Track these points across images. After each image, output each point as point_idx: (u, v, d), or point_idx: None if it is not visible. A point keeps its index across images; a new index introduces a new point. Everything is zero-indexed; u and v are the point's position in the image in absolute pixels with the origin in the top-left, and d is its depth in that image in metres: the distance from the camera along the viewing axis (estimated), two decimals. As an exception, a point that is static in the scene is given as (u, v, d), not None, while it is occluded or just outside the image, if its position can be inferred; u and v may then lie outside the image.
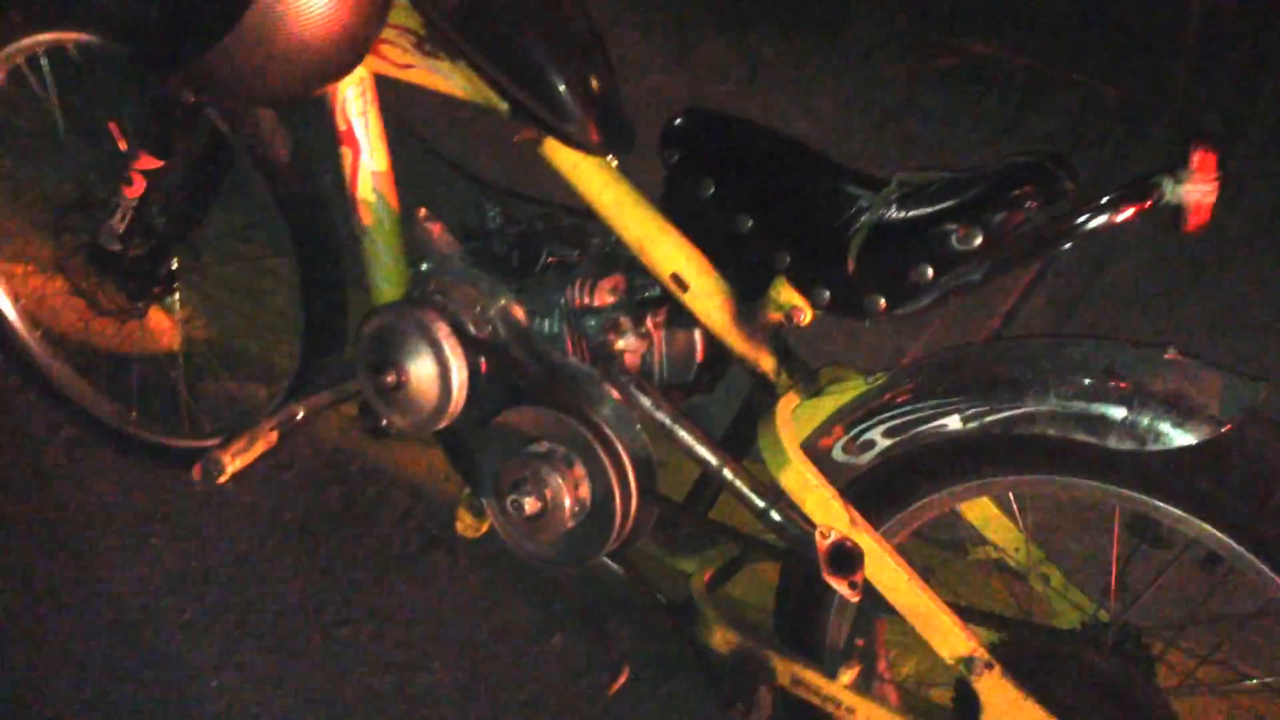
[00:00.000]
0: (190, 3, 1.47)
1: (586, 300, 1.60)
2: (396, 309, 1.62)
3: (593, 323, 1.60)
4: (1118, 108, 2.40)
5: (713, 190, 1.46)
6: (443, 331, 1.59)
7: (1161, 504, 1.28)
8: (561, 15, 1.55)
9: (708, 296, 1.52)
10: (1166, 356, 1.28)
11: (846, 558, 1.38)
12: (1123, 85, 2.41)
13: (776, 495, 1.45)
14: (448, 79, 1.62)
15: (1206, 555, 1.33)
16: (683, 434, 1.49)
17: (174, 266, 2.11)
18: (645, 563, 1.69)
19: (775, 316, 1.49)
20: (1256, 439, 1.23)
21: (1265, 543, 1.25)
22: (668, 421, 1.49)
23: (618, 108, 1.57)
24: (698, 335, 1.59)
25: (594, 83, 1.55)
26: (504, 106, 1.58)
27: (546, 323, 1.64)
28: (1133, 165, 2.31)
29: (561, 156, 1.57)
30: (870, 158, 2.38)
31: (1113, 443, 1.26)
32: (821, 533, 1.39)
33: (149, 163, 1.91)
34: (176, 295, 2.16)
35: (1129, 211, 1.22)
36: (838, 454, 1.45)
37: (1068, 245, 1.26)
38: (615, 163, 1.57)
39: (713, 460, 1.48)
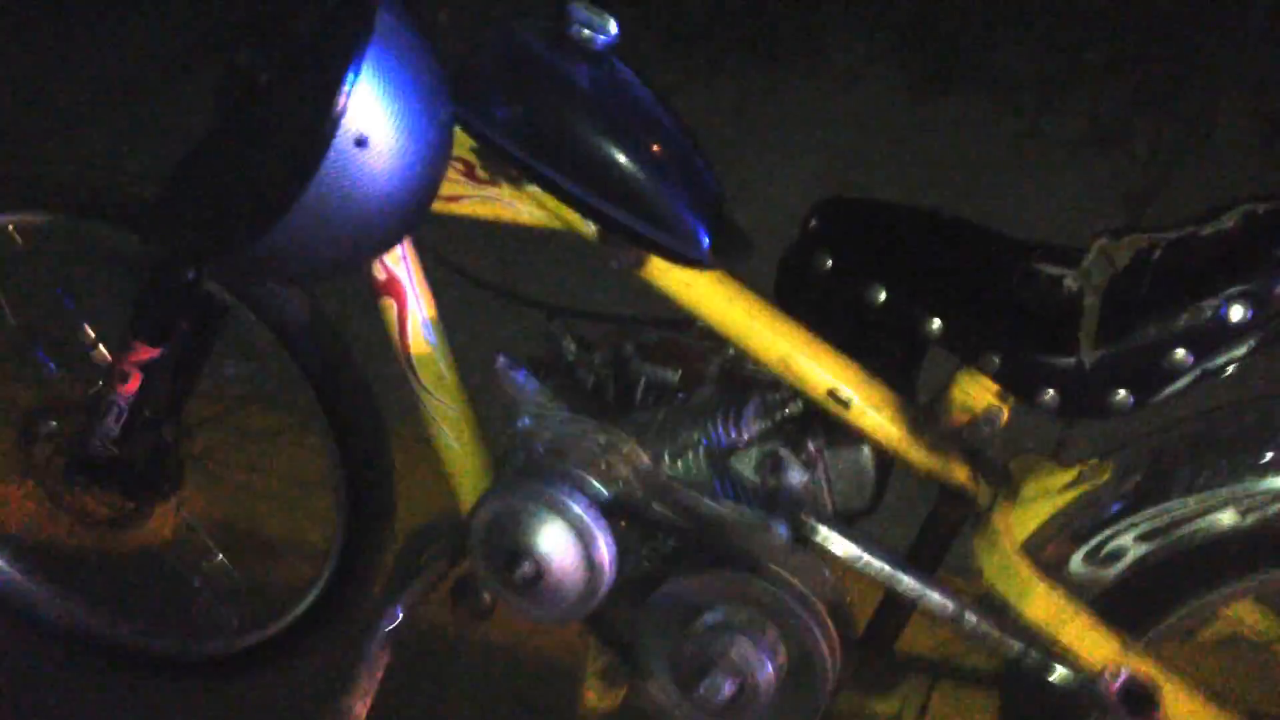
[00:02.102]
0: (233, 177, 1.21)
1: (734, 434, 1.38)
2: (516, 487, 1.38)
3: (747, 460, 1.38)
4: (1134, 96, 2.28)
5: (884, 296, 1.25)
6: (580, 504, 1.35)
7: None
8: (646, 113, 1.33)
9: (876, 410, 1.32)
10: None
11: (1143, 697, 1.19)
12: (1134, 73, 2.30)
13: (1024, 631, 1.26)
14: (511, 207, 1.38)
15: None
16: (908, 581, 1.28)
17: (177, 454, 1.82)
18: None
19: (963, 418, 1.30)
20: None
21: None
22: (886, 568, 1.29)
23: (726, 212, 1.36)
24: (867, 453, 1.38)
25: (699, 187, 1.33)
26: (591, 229, 1.36)
27: (683, 465, 1.42)
28: (1189, 159, 2.16)
29: (672, 277, 1.35)
30: (898, 182, 2.22)
31: None
32: (1110, 672, 1.21)
33: (145, 353, 1.62)
34: (183, 487, 1.87)
35: None
36: (1077, 567, 1.27)
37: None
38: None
39: (951, 605, 1.27)
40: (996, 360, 1.21)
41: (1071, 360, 1.17)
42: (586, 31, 1.30)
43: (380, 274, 1.46)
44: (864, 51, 2.50)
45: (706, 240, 1.31)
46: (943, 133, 2.27)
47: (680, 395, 1.46)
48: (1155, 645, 1.28)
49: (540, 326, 1.54)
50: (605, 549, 1.35)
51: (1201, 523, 1.19)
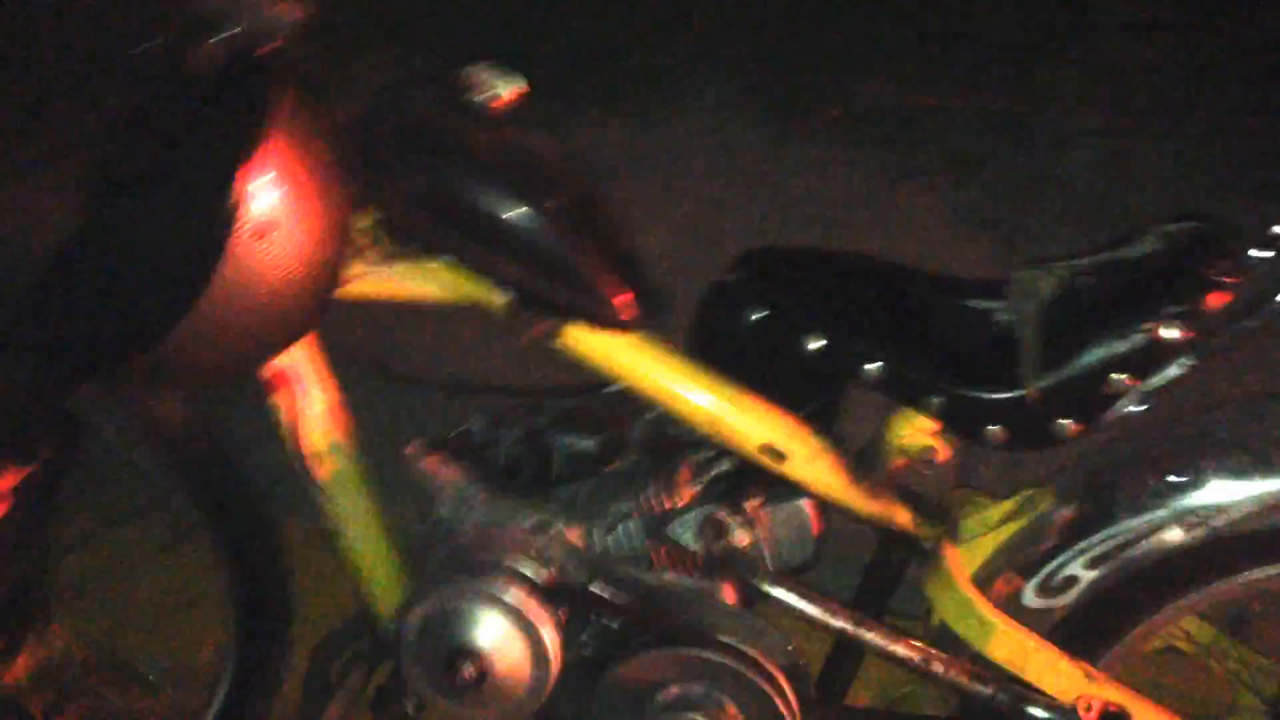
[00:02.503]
0: (113, 281, 1.10)
1: (667, 501, 1.33)
2: (445, 585, 1.29)
3: (684, 526, 1.32)
4: (987, 125, 2.35)
5: (823, 344, 1.22)
6: (517, 594, 1.27)
7: None
8: (557, 173, 1.28)
9: (811, 462, 1.29)
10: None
11: (1113, 722, 1.19)
12: (987, 102, 2.37)
13: (989, 671, 1.23)
14: (415, 282, 1.31)
15: None
16: (870, 636, 1.24)
17: (45, 582, 1.66)
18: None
19: (902, 463, 1.29)
20: None
21: None
22: (844, 623, 1.25)
23: (642, 271, 1.31)
24: (806, 505, 1.34)
25: (615, 247, 1.29)
26: (502, 301, 1.29)
27: (615, 539, 1.35)
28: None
29: (592, 343, 1.29)
30: (768, 225, 2.22)
31: (1373, 513, 1.13)
32: (1084, 704, 1.19)
33: (13, 477, 1.47)
34: (53, 618, 1.70)
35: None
36: (1030, 600, 1.26)
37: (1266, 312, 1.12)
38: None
39: (915, 657, 1.24)
40: (937, 401, 1.19)
41: (1014, 394, 1.16)
42: (489, 93, 1.25)
43: (270, 369, 1.36)
44: (721, 95, 2.50)
45: (629, 301, 1.26)
46: (807, 172, 2.29)
47: (602, 464, 1.40)
48: (1112, 668, 1.28)
49: (443, 409, 1.47)
50: (550, 639, 1.28)
51: (1149, 543, 1.20)
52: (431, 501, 1.39)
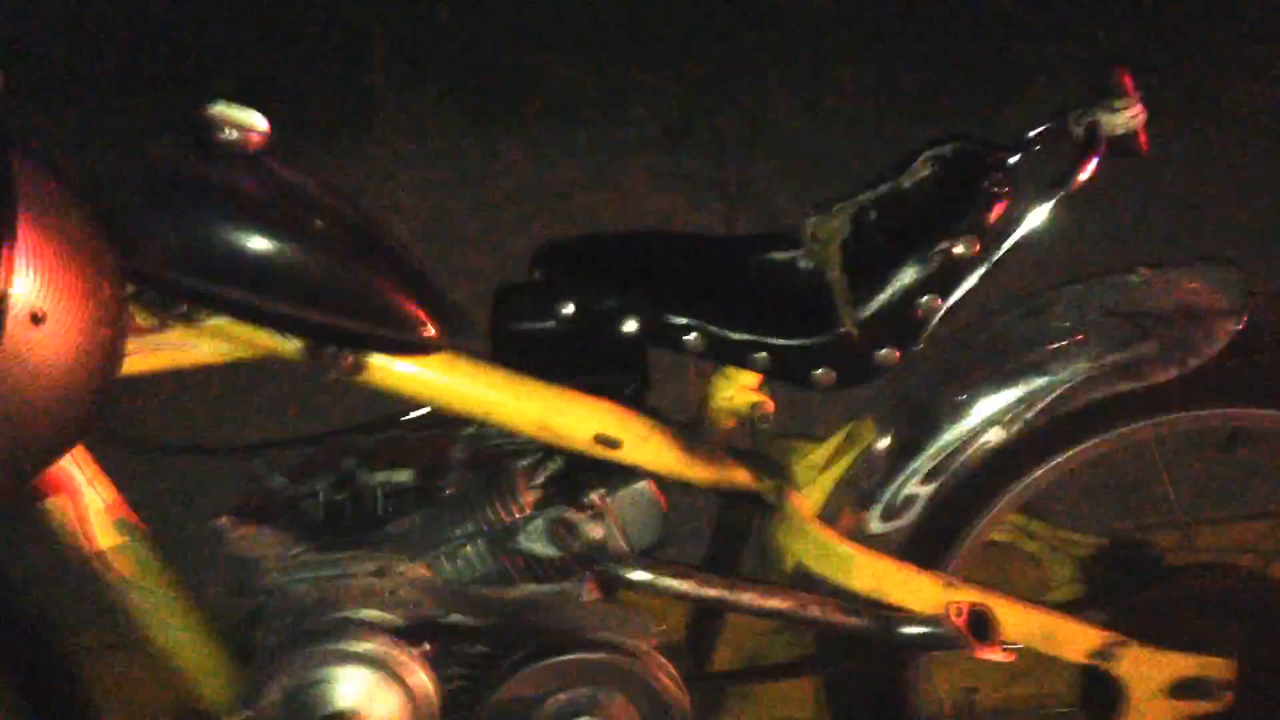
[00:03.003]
0: None
1: (508, 514, 1.29)
2: (297, 656, 1.20)
3: (533, 533, 1.29)
4: (693, 95, 2.41)
5: (638, 325, 1.22)
6: (377, 645, 1.20)
7: (1207, 410, 1.29)
8: (321, 205, 1.21)
9: (645, 442, 1.29)
10: (1143, 275, 1.28)
11: (981, 620, 1.25)
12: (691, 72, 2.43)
13: (856, 603, 1.27)
14: (188, 348, 1.21)
15: (1229, 436, 1.37)
16: (744, 597, 1.25)
17: None
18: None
19: (732, 422, 1.31)
20: (1262, 311, 1.27)
21: None
22: (714, 590, 1.25)
23: (435, 290, 1.26)
24: (648, 486, 1.34)
25: (403, 268, 1.23)
26: (294, 347, 1.21)
27: (463, 563, 1.30)
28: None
29: (398, 371, 1.24)
30: (496, 224, 2.19)
31: (1158, 376, 1.24)
32: (953, 610, 1.25)
33: None
34: None
35: (1092, 160, 1.18)
36: (877, 527, 1.31)
37: (1047, 215, 1.20)
38: None
39: (787, 606, 1.26)
40: (764, 356, 1.22)
41: (834, 334, 1.20)
42: (235, 134, 1.16)
43: (39, 470, 1.21)
44: (420, 99, 2.44)
45: (426, 321, 1.21)
46: (524, 164, 2.28)
47: (427, 493, 1.34)
48: (958, 572, 1.35)
49: (239, 474, 1.36)
50: (421, 681, 1.22)
51: (974, 447, 1.27)
52: (254, 574, 1.29)
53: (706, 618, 1.45)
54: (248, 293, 1.14)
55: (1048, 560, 1.52)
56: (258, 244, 1.13)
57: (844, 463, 1.33)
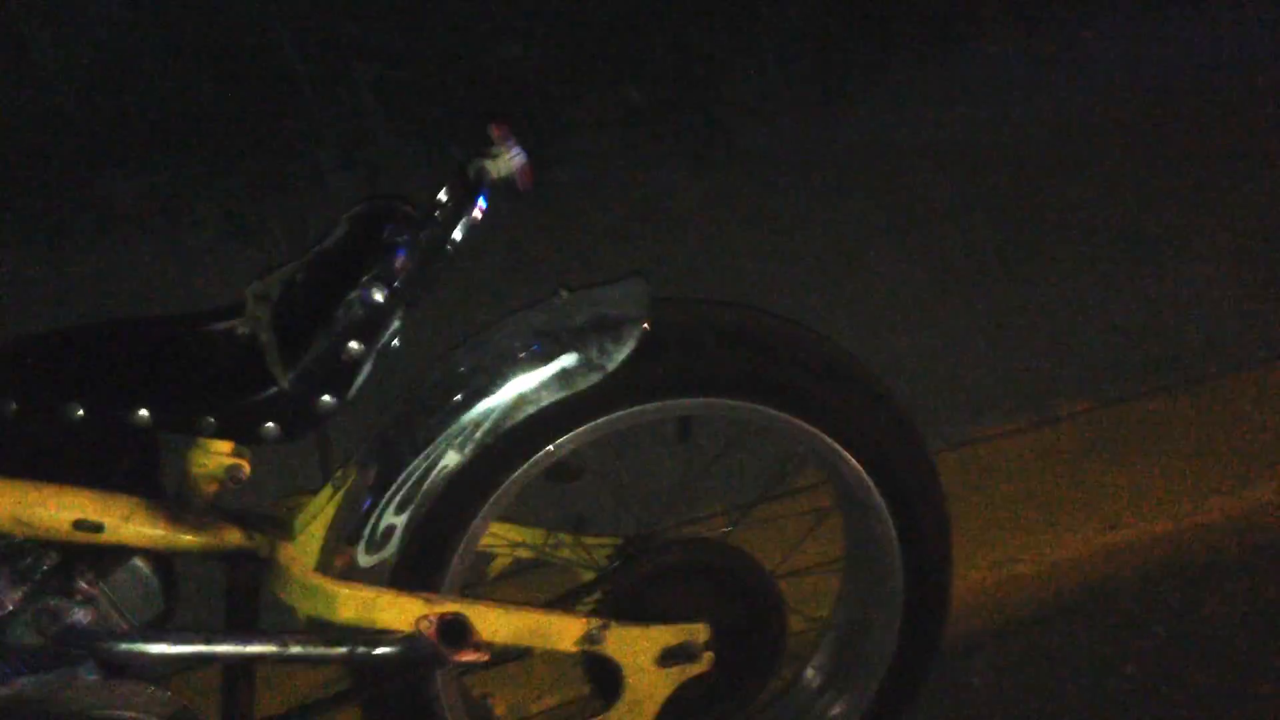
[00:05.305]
0: None
1: (-7, 615, 1.31)
2: None
3: (20, 628, 1.32)
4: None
5: (83, 412, 1.28)
6: None
7: (651, 404, 1.45)
8: None
9: (128, 521, 1.35)
10: (563, 298, 1.44)
11: (456, 628, 1.35)
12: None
13: (349, 635, 1.36)
14: None
15: (679, 425, 1.54)
16: (227, 648, 1.32)
17: None
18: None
19: (213, 487, 1.38)
20: (669, 315, 1.45)
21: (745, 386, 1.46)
22: (229, 651, 1.32)
23: None
24: (140, 562, 1.39)
25: None
26: None
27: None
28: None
29: None
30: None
31: (582, 384, 1.39)
32: (425, 621, 1.35)
33: None
34: None
35: (480, 203, 1.33)
36: (364, 561, 1.40)
37: (447, 257, 1.34)
38: None
39: (272, 648, 1.33)
40: (212, 421, 1.30)
41: (272, 390, 1.30)
42: None
43: None
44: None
45: None
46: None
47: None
48: (456, 589, 1.46)
49: None
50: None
51: (436, 472, 1.39)
52: None
53: (239, 675, 1.50)
54: None
55: (576, 566, 1.66)
56: None
57: (333, 508, 1.43)
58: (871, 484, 1.55)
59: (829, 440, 1.52)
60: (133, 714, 1.33)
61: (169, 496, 1.40)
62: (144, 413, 1.29)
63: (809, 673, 1.73)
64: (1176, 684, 1.92)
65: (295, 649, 1.33)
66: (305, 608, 1.38)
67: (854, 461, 1.53)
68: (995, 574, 2.13)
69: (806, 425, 1.50)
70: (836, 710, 1.67)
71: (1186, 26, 3.57)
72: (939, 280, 2.74)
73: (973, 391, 2.45)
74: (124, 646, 1.32)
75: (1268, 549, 2.16)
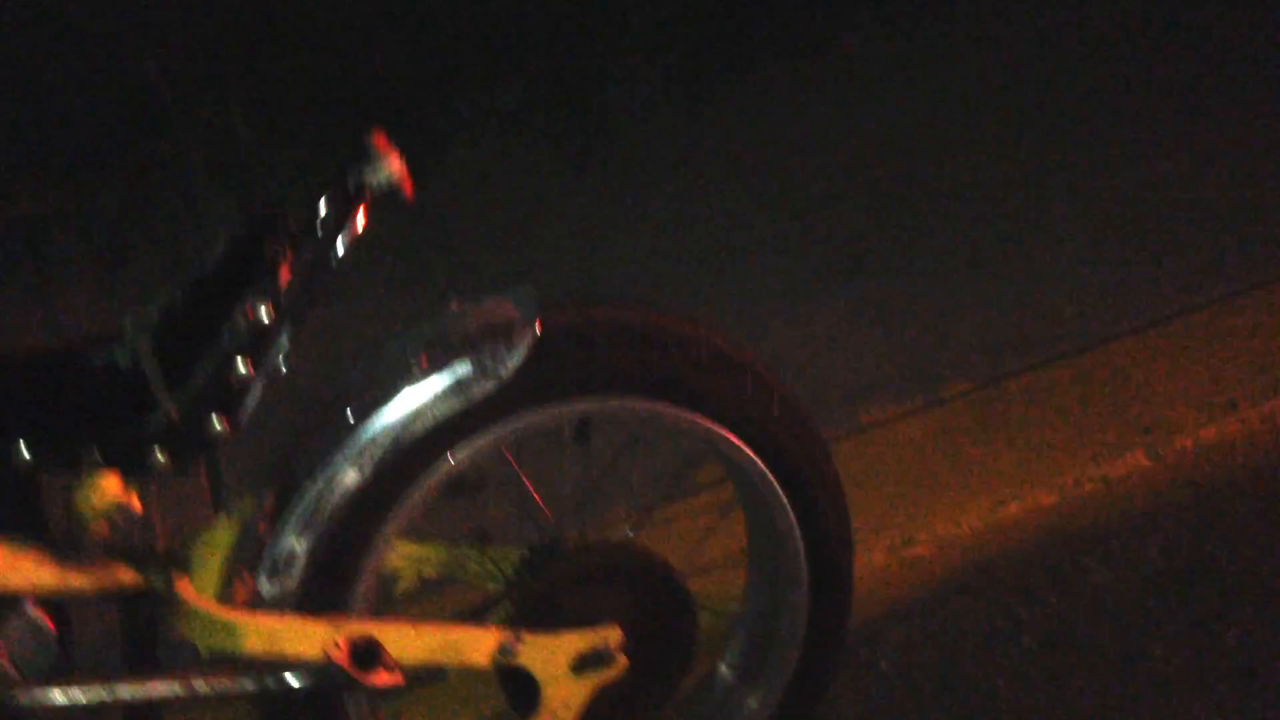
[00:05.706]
0: None
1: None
2: None
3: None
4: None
5: None
6: None
7: (546, 408, 1.44)
8: None
9: (12, 569, 1.29)
10: (455, 308, 1.42)
11: (365, 651, 1.33)
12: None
13: (256, 666, 1.32)
14: None
15: (577, 428, 1.53)
16: (128, 692, 1.27)
17: None
18: None
19: (103, 527, 1.33)
20: (559, 318, 1.44)
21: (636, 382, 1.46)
22: (125, 695, 1.27)
23: None
24: (29, 609, 1.33)
25: None
26: None
27: None
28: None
29: None
30: None
31: (478, 393, 1.37)
32: (334, 645, 1.32)
33: None
34: None
35: (362, 214, 1.31)
36: (267, 589, 1.37)
37: (332, 272, 1.32)
38: None
39: (177, 688, 1.29)
40: (96, 452, 1.25)
41: (158, 415, 1.25)
42: None
43: None
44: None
45: None
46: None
47: None
48: (364, 611, 1.43)
49: None
50: None
51: (334, 493, 1.36)
52: None
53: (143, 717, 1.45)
54: None
55: (483, 580, 1.64)
56: None
57: (229, 538, 1.39)
58: (770, 475, 1.56)
59: (726, 433, 1.53)
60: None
61: (57, 539, 1.34)
62: (20, 448, 1.24)
63: (722, 667, 1.74)
64: (1073, 650, 1.98)
65: (201, 687, 1.29)
66: (209, 642, 1.34)
67: (751, 454, 1.54)
68: (893, 556, 2.18)
69: (702, 420, 1.51)
70: (752, 701, 1.68)
71: (1041, 19, 3.70)
72: (818, 270, 2.79)
73: (860, 376, 2.50)
74: (22, 697, 1.26)
75: (1147, 513, 2.25)
